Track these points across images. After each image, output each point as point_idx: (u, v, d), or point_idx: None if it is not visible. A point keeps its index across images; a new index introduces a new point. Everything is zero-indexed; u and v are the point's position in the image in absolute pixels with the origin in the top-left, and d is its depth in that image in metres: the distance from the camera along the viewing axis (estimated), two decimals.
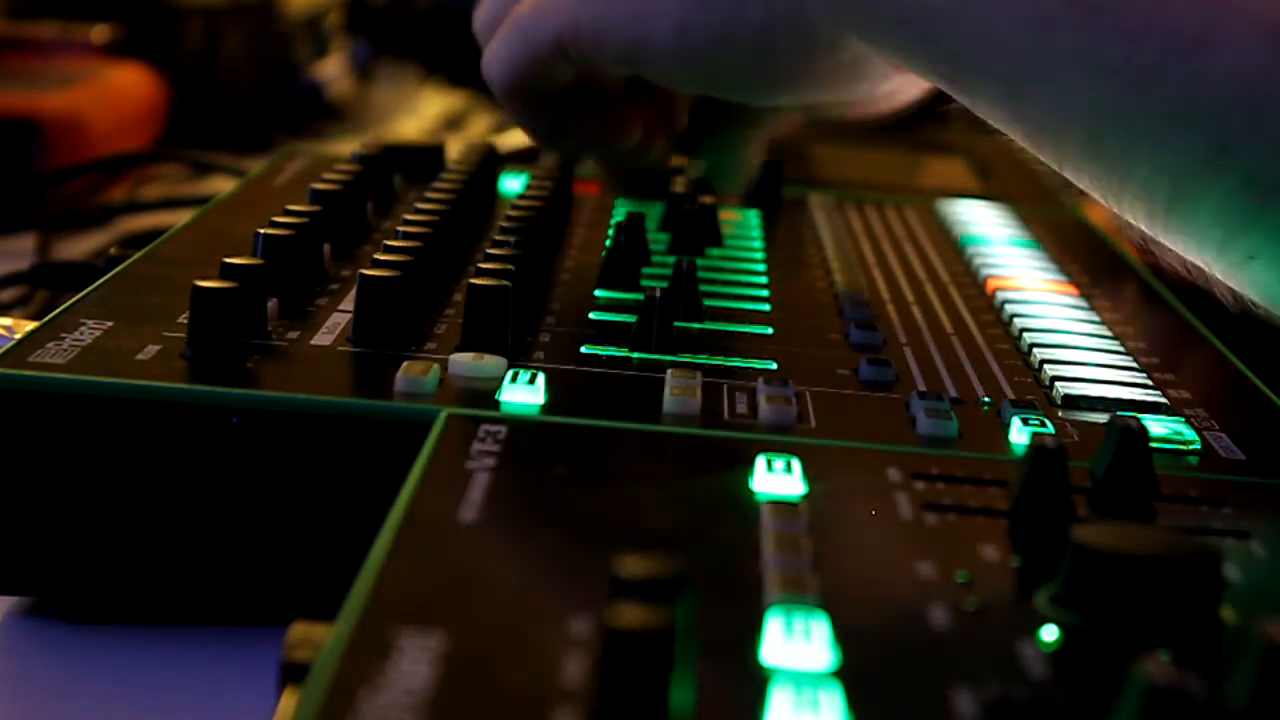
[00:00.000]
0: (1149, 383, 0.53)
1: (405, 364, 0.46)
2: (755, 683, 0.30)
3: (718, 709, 0.29)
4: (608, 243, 0.63)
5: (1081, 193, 0.51)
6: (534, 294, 0.56)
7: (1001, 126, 0.51)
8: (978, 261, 0.68)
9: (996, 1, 0.48)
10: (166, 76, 1.17)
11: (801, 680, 0.30)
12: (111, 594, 0.46)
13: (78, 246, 0.87)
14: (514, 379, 0.47)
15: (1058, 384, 0.51)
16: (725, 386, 0.49)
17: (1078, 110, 0.47)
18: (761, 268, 0.65)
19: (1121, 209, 0.49)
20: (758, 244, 0.69)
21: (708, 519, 0.39)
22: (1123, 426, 0.42)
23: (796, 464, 0.41)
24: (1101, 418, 0.49)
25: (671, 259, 0.60)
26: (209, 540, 0.45)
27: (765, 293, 0.61)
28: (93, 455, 0.44)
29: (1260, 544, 0.40)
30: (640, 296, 0.54)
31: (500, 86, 0.59)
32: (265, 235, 0.54)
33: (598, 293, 0.59)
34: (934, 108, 0.62)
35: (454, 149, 0.76)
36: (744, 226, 0.72)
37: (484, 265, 0.53)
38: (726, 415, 0.46)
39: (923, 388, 0.50)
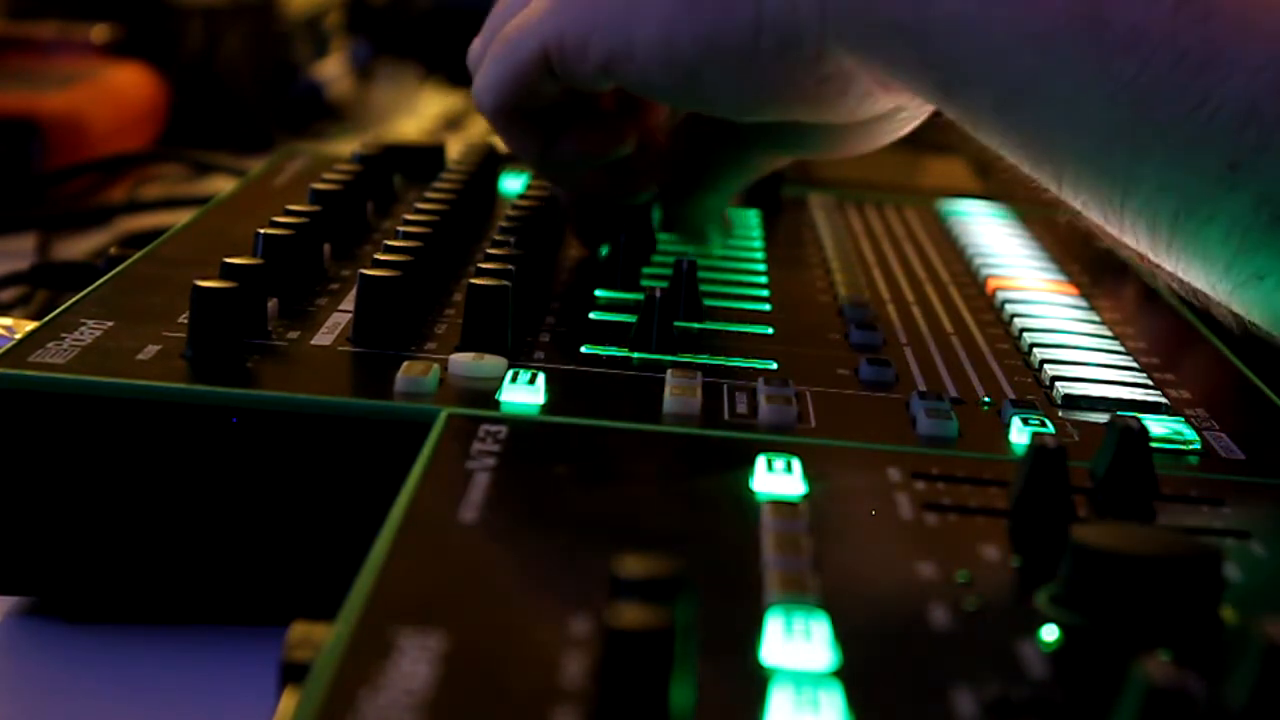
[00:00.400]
0: (1149, 383, 0.53)
1: (405, 364, 0.46)
2: (755, 683, 0.30)
3: (718, 709, 0.29)
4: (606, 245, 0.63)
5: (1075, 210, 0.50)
6: (534, 294, 0.56)
7: (993, 141, 0.50)
8: (978, 261, 0.68)
9: (996, 12, 0.47)
10: (166, 76, 1.17)
11: (801, 680, 0.30)
12: (111, 594, 0.46)
13: (78, 246, 0.87)
14: (514, 379, 0.47)
15: (1058, 384, 0.51)
16: (725, 386, 0.49)
17: (1080, 126, 0.46)
18: (761, 268, 0.65)
19: (1121, 227, 0.48)
20: (758, 244, 0.69)
21: (708, 519, 0.39)
22: (1123, 426, 0.42)
23: (796, 464, 0.41)
24: (1101, 418, 0.49)
25: (671, 259, 0.60)
26: (209, 540, 0.45)
27: (765, 293, 0.61)
28: (93, 455, 0.44)
29: (1260, 544, 0.40)
30: (640, 296, 0.54)
31: (490, 108, 0.59)
32: (265, 235, 0.54)
33: (598, 293, 0.59)
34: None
35: (454, 149, 0.76)
36: (744, 226, 0.72)
37: (484, 265, 0.53)
38: (726, 415, 0.46)
39: (923, 388, 0.50)
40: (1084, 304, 0.63)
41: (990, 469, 0.43)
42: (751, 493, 0.40)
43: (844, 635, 0.32)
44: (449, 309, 0.54)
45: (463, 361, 0.48)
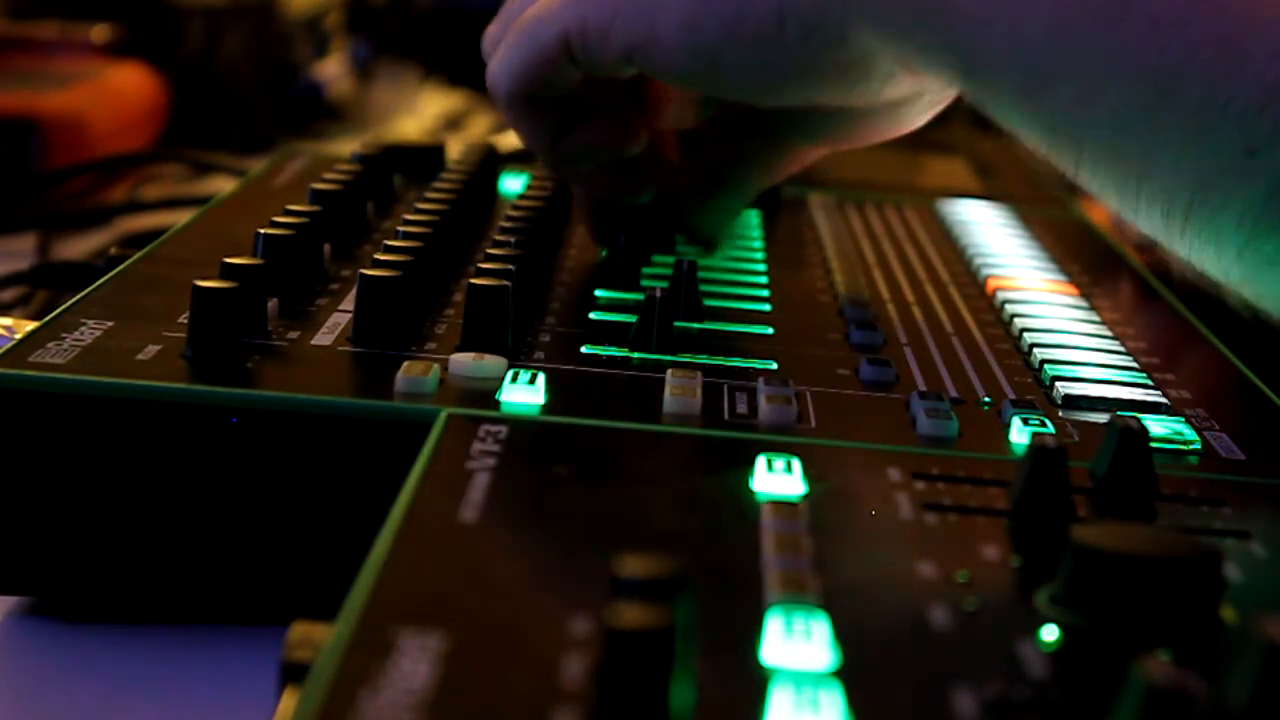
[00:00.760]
0: (1149, 383, 0.53)
1: (405, 364, 0.46)
2: (755, 683, 0.30)
3: (718, 709, 0.29)
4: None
5: (1085, 194, 0.50)
6: (534, 294, 0.56)
7: (1015, 127, 0.50)
8: (978, 261, 0.68)
9: (1019, 0, 0.48)
10: (166, 76, 1.17)
11: (801, 680, 0.30)
12: (111, 594, 0.46)
13: (78, 246, 0.87)
14: (514, 379, 0.47)
15: (1058, 384, 0.51)
16: (725, 386, 0.49)
17: (1100, 112, 0.47)
18: (762, 268, 0.65)
19: (1136, 213, 0.48)
20: (758, 244, 0.69)
21: (708, 519, 0.39)
22: (1123, 426, 0.42)
23: (796, 464, 0.41)
24: (1101, 418, 0.49)
25: (671, 259, 0.60)
26: (209, 540, 0.45)
27: (765, 293, 0.61)
28: (93, 455, 0.44)
29: (1260, 544, 0.40)
30: (640, 296, 0.54)
31: (506, 93, 0.59)
32: (265, 235, 0.54)
33: (598, 293, 0.59)
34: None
35: (454, 149, 0.76)
36: (744, 226, 0.72)
37: (484, 265, 0.53)
38: (726, 415, 0.46)
39: (923, 388, 0.50)
40: (1084, 304, 0.63)
41: (990, 469, 0.43)
42: (751, 493, 0.40)
43: (844, 635, 0.32)
44: (449, 309, 0.54)
45: (463, 361, 0.48)
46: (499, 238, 0.58)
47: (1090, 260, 0.71)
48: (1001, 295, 0.62)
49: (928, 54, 0.51)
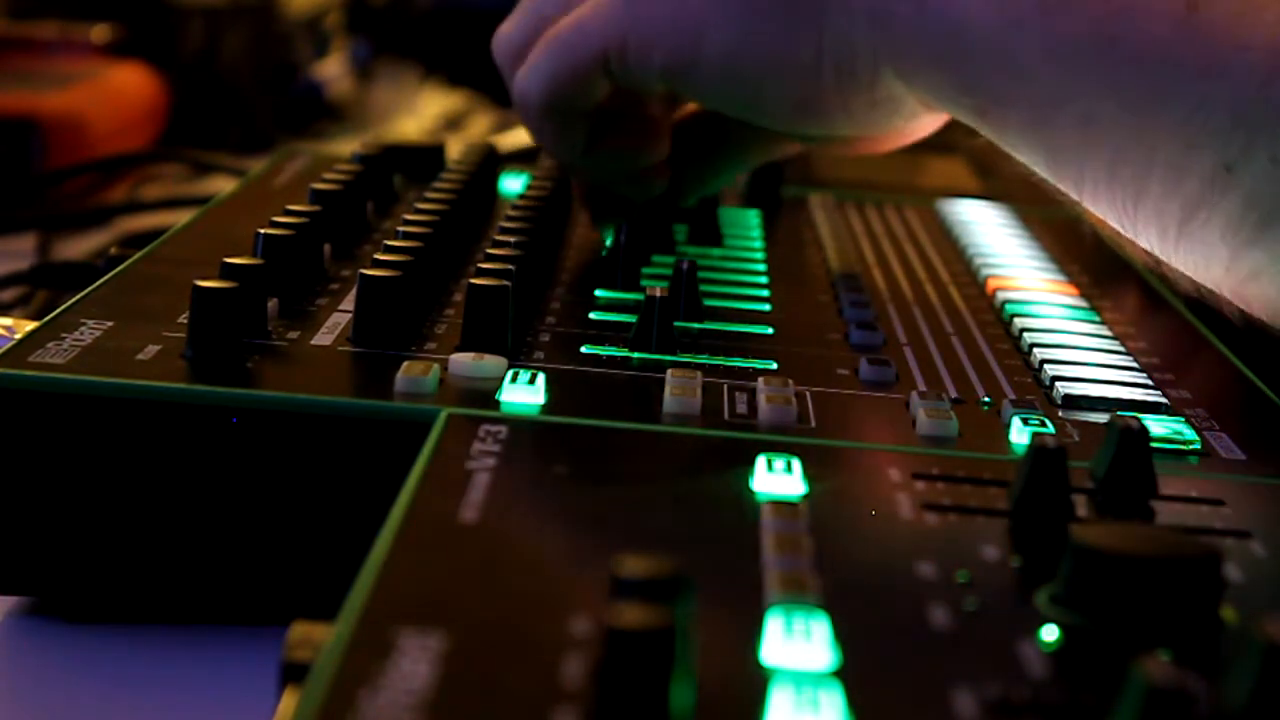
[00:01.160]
0: (1149, 383, 0.53)
1: (405, 364, 0.46)
2: (755, 683, 0.30)
3: (718, 709, 0.29)
4: (608, 242, 0.63)
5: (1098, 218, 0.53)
6: (534, 294, 0.56)
7: (1027, 157, 0.54)
8: (978, 261, 0.68)
9: (1024, 37, 0.51)
10: (166, 76, 1.17)
11: (801, 680, 0.30)
12: (111, 594, 0.46)
13: (78, 246, 0.87)
14: (514, 379, 0.47)
15: (1058, 384, 0.51)
16: (725, 386, 0.49)
17: (1096, 138, 0.50)
18: (762, 268, 0.65)
19: (1135, 233, 0.51)
20: (758, 244, 0.69)
21: (708, 519, 0.39)
22: (1123, 426, 0.42)
23: (796, 464, 0.41)
24: (1101, 418, 0.49)
25: (671, 259, 0.60)
26: (209, 540, 0.45)
27: (765, 293, 0.61)
28: (93, 455, 0.44)
29: (1260, 544, 0.40)
30: (640, 296, 0.54)
31: (538, 102, 0.59)
32: (265, 235, 0.54)
33: (598, 293, 0.59)
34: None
35: (454, 149, 0.76)
36: (744, 226, 0.72)
37: (484, 265, 0.53)
38: (726, 415, 0.46)
39: (923, 388, 0.50)
40: (1084, 304, 0.63)
41: (990, 469, 0.43)
42: (751, 493, 0.40)
43: (844, 635, 0.32)
44: (449, 309, 0.54)
45: (463, 361, 0.48)
46: (499, 238, 0.58)
47: (1090, 260, 0.71)
48: (1001, 295, 0.62)
49: (946, 95, 0.54)
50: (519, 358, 0.50)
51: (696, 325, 0.56)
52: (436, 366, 0.46)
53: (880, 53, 0.54)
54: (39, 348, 0.46)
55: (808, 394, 0.49)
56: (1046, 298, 0.63)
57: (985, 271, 0.66)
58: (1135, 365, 0.55)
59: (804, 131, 0.59)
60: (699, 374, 0.49)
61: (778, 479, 0.41)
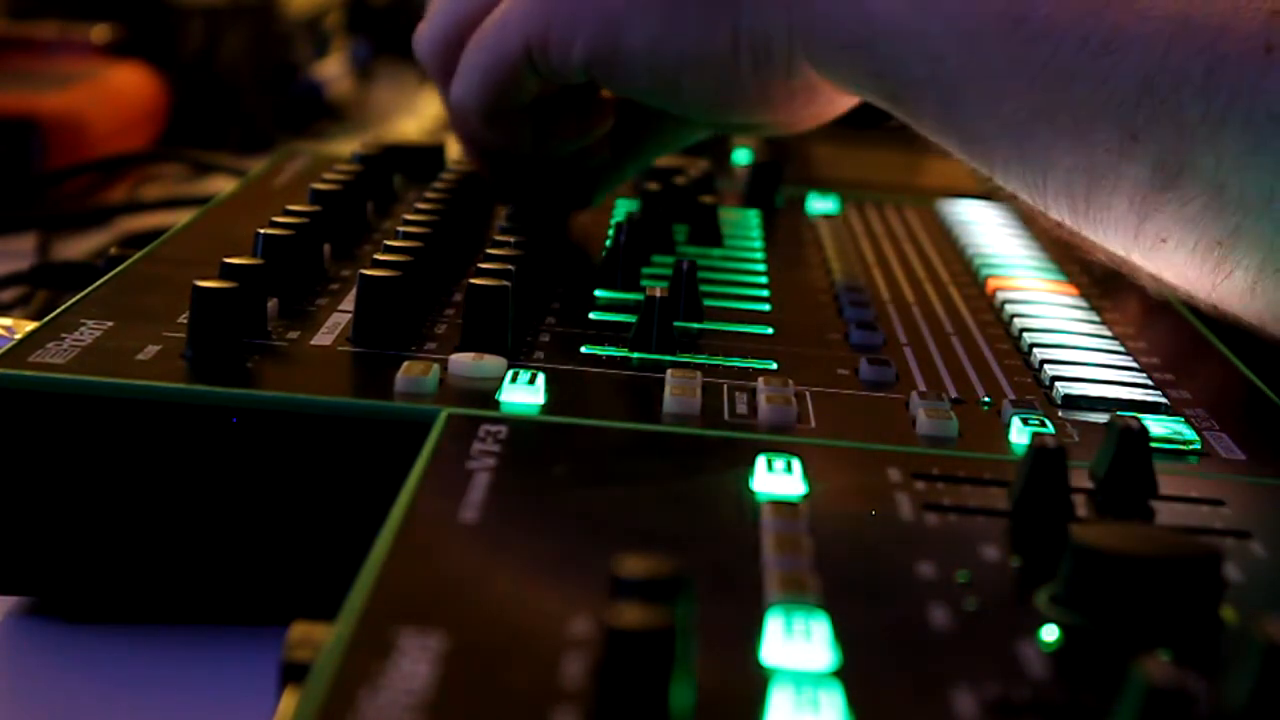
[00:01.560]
0: (1149, 383, 0.53)
1: (405, 364, 0.46)
2: (755, 683, 0.30)
3: (718, 709, 0.29)
4: (608, 242, 0.63)
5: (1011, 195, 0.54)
6: (534, 294, 0.56)
7: (938, 137, 0.55)
8: (978, 261, 0.68)
9: (932, 19, 0.52)
10: (166, 76, 1.17)
11: (801, 680, 0.30)
12: (111, 594, 0.46)
13: (78, 246, 0.87)
14: (514, 379, 0.47)
15: (1058, 384, 0.51)
16: (725, 386, 0.49)
17: (1005, 115, 0.51)
18: (761, 268, 0.65)
19: (1047, 205, 0.52)
20: (758, 244, 0.69)
21: (708, 519, 0.39)
22: (1123, 426, 0.42)
23: (796, 464, 0.41)
24: (1101, 418, 0.49)
25: (671, 259, 0.60)
26: (209, 540, 0.45)
27: (765, 293, 0.61)
28: (93, 455, 0.44)
29: (1260, 544, 0.40)
30: (640, 296, 0.54)
31: (478, 108, 0.60)
32: (265, 235, 0.54)
33: (598, 293, 0.59)
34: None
35: (454, 149, 0.76)
36: (744, 226, 0.72)
37: (484, 265, 0.53)
38: (726, 415, 0.46)
39: (923, 388, 0.50)
40: (1084, 304, 0.63)
41: (990, 469, 0.43)
42: (751, 493, 0.40)
43: (844, 635, 0.32)
44: (449, 309, 0.54)
45: (463, 361, 0.48)
46: (499, 238, 0.58)
47: (1090, 261, 0.71)
48: (1001, 295, 0.62)
49: (860, 80, 0.56)
50: (519, 358, 0.50)
51: (696, 325, 0.56)
52: (436, 366, 0.46)
53: (795, 40, 0.55)
54: (39, 348, 0.46)
55: (808, 394, 0.49)
56: (1046, 298, 0.63)
57: (985, 271, 0.66)
58: (1135, 365, 0.55)
59: (724, 120, 0.60)
60: (699, 374, 0.49)
61: (778, 479, 0.41)
